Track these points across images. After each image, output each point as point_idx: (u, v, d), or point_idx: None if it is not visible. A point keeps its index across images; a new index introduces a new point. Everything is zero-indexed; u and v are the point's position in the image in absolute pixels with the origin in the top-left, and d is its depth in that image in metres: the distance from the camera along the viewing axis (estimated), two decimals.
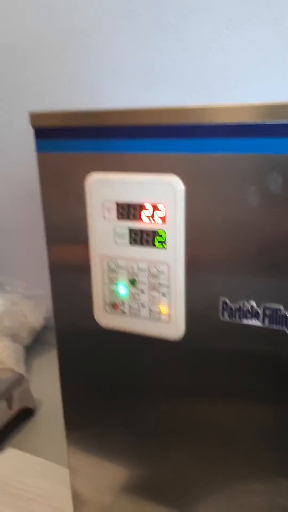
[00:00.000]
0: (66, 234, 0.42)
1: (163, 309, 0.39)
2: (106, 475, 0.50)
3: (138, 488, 0.49)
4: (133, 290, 0.40)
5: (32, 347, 1.02)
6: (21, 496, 0.63)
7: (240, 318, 0.36)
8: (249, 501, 0.43)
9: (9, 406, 0.75)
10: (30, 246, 0.95)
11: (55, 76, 0.90)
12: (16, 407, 0.76)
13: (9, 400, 0.74)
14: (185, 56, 0.78)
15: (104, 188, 0.39)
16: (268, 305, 0.35)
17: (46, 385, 0.81)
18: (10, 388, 0.75)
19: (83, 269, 0.42)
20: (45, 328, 1.03)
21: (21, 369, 0.88)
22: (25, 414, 0.79)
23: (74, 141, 0.39)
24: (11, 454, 0.70)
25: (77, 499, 0.52)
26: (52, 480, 0.65)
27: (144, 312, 0.40)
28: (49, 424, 0.78)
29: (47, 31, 0.89)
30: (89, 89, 0.87)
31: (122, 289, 0.40)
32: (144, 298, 0.40)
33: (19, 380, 0.78)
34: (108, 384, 0.45)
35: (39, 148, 0.41)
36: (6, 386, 0.75)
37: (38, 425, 0.79)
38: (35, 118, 0.40)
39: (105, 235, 0.40)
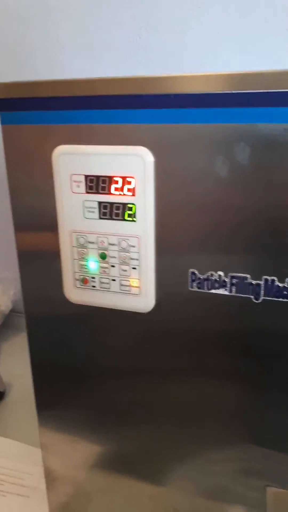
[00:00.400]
0: (34, 210, 0.42)
1: (134, 282, 0.39)
2: (79, 451, 0.50)
3: (111, 462, 0.49)
4: (104, 264, 0.40)
5: (0, 331, 1.01)
6: None
7: (208, 288, 0.37)
8: (219, 468, 0.44)
9: None
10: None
11: (11, 49, 0.87)
12: None
13: None
14: (152, 32, 0.77)
15: (72, 161, 0.38)
16: (235, 274, 0.36)
17: (15, 369, 0.80)
18: None
19: (52, 245, 0.42)
20: (12, 311, 1.01)
21: None
22: None
23: (40, 112, 0.38)
24: None
25: (49, 476, 0.52)
26: (25, 461, 0.65)
27: (115, 286, 0.40)
28: (19, 406, 0.78)
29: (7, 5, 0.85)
30: (51, 65, 0.85)
31: (93, 264, 0.40)
32: (114, 272, 0.40)
33: None
34: (79, 360, 0.45)
35: (3, 120, 0.40)
36: None
37: (8, 408, 0.78)
38: None
39: (74, 210, 0.39)
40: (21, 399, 0.82)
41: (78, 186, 0.39)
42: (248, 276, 0.36)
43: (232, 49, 0.73)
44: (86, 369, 0.46)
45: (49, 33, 0.84)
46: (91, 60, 0.83)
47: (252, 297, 0.36)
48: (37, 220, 0.42)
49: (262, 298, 0.36)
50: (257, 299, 0.36)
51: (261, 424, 0.41)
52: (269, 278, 0.35)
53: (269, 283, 0.35)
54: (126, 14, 0.78)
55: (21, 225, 0.43)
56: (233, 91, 0.32)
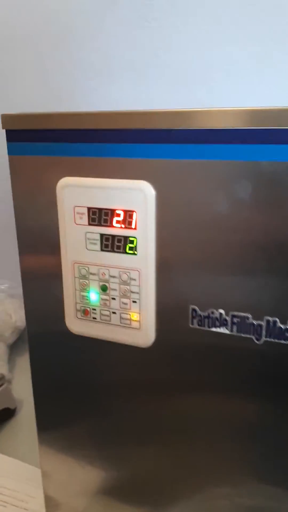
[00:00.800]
0: (37, 239, 0.42)
1: (134, 316, 0.39)
2: (79, 478, 0.49)
3: (111, 491, 0.48)
4: (104, 296, 0.39)
5: (16, 346, 1.02)
6: None
7: (209, 326, 0.36)
8: (220, 503, 0.43)
9: None
10: (14, 244, 0.94)
11: (29, 73, 0.89)
12: None
13: None
14: (168, 52, 0.78)
15: (76, 193, 0.38)
16: (236, 313, 0.35)
17: (28, 385, 0.80)
18: None
19: (55, 275, 0.42)
20: None
21: (4, 369, 0.88)
22: (5, 415, 0.78)
23: (46, 144, 0.38)
24: None
25: (50, 503, 0.52)
26: (29, 483, 0.64)
27: (115, 319, 0.40)
28: (30, 424, 0.77)
29: (23, 23, 0.87)
30: (70, 85, 0.86)
31: (94, 296, 0.40)
32: (115, 305, 0.39)
33: (0, 381, 0.77)
34: (79, 388, 0.45)
35: (10, 150, 0.40)
36: None
37: (18, 426, 0.78)
38: (6, 120, 0.40)
39: (76, 241, 0.39)
40: (31, 417, 0.81)
41: (81, 218, 0.39)
42: (250, 315, 0.34)
43: (251, 71, 0.73)
44: (86, 396, 0.45)
45: (69, 54, 0.86)
46: (110, 80, 0.84)
47: (253, 337, 0.35)
48: (41, 249, 0.42)
49: (263, 339, 0.34)
50: (258, 340, 0.34)
51: (265, 462, 0.39)
52: (270, 319, 0.34)
53: (271, 324, 0.34)
54: (144, 35, 0.79)
55: (25, 254, 0.43)
56: (236, 128, 0.31)
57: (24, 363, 0.98)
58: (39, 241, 0.42)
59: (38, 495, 0.61)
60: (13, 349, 1.00)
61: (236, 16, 0.72)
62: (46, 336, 0.45)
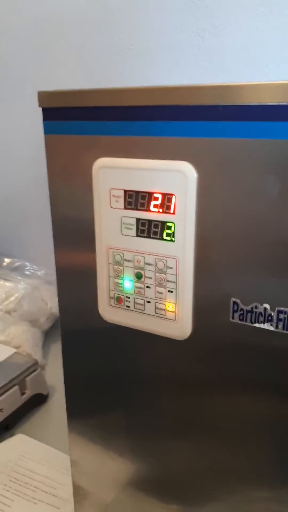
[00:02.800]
0: (73, 223, 0.40)
1: (170, 306, 0.36)
2: (108, 469, 0.48)
3: (140, 484, 0.47)
4: (139, 284, 0.37)
5: (51, 333, 1.02)
6: (28, 483, 0.62)
7: (251, 321, 0.33)
8: (254, 507, 0.40)
9: (22, 392, 0.74)
10: (51, 231, 0.94)
11: (72, 54, 0.87)
12: (28, 393, 0.76)
13: (21, 386, 0.74)
14: (215, 34, 0.74)
15: (112, 175, 0.36)
16: (283, 309, 0.32)
17: (62, 371, 0.80)
18: (23, 374, 0.75)
19: (90, 261, 0.40)
20: None
21: (38, 354, 0.88)
22: (38, 400, 0.79)
23: (82, 122, 0.37)
24: (20, 440, 0.70)
25: (78, 493, 0.51)
26: (61, 470, 0.64)
27: (150, 308, 0.37)
28: (61, 411, 0.77)
29: (68, 7, 0.86)
30: (112, 69, 0.84)
31: (128, 283, 0.38)
32: (150, 293, 0.37)
33: (33, 366, 0.78)
34: (111, 378, 0.43)
35: (47, 129, 0.39)
36: (19, 372, 0.74)
37: (50, 412, 0.79)
38: (43, 97, 0.38)
39: (111, 225, 0.37)
40: (63, 404, 0.81)
41: (117, 201, 0.37)
42: None
43: None
44: (118, 386, 0.43)
45: (111, 36, 0.83)
46: (153, 63, 0.81)
47: None
48: (75, 234, 0.40)
49: None
50: None
51: None
52: None
53: None
54: (190, 17, 0.75)
55: (60, 238, 0.42)
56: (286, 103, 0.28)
57: (58, 350, 0.98)
58: (74, 225, 0.40)
59: (68, 483, 0.61)
60: (48, 335, 1.01)
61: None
62: (79, 323, 0.43)
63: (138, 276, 0.37)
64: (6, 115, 1.00)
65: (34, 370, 0.78)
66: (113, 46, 0.83)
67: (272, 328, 0.32)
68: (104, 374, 0.44)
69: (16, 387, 0.73)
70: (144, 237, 0.36)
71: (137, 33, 0.81)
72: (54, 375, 0.84)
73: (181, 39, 0.77)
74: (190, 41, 0.76)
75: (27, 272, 1.00)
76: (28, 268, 1.00)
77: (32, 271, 1.00)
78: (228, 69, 0.73)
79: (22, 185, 1.02)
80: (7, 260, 1.05)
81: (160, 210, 0.35)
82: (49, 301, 1.00)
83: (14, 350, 0.80)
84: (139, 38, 0.81)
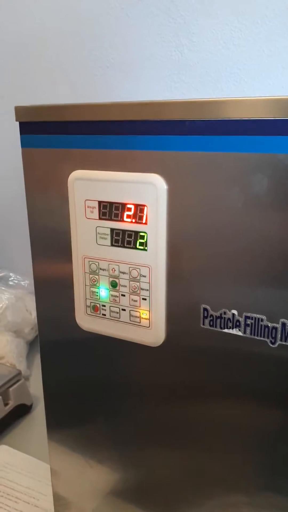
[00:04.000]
0: (50, 234, 0.41)
1: (144, 314, 0.37)
2: (88, 478, 0.48)
3: (120, 493, 0.47)
4: (114, 293, 0.38)
5: (35, 343, 1.02)
6: (10, 494, 0.62)
7: (221, 326, 0.34)
8: (226, 510, 0.41)
9: (5, 403, 0.74)
10: None
11: (53, 69, 0.89)
12: (12, 403, 0.75)
13: (4, 397, 0.74)
14: (193, 49, 0.76)
15: (87, 187, 0.37)
16: (250, 314, 0.33)
17: None
18: (6, 384, 0.75)
19: (66, 270, 0.41)
20: None
21: (22, 365, 0.88)
22: (22, 411, 0.78)
23: (57, 136, 0.38)
24: (2, 450, 0.70)
25: (58, 502, 0.51)
26: (43, 480, 0.64)
27: (125, 316, 0.38)
28: (45, 421, 0.78)
29: (49, 22, 0.88)
30: (90, 82, 0.86)
31: (103, 292, 0.39)
32: (125, 301, 0.38)
33: (17, 376, 0.77)
34: (89, 386, 0.44)
35: (23, 143, 0.40)
36: (2, 383, 0.74)
37: (34, 422, 0.78)
38: (19, 112, 0.39)
39: (87, 235, 0.38)
40: None
41: (92, 212, 0.38)
42: (264, 317, 0.32)
43: (276, 68, 0.70)
44: (95, 395, 0.44)
45: (92, 51, 0.85)
46: (134, 77, 0.83)
47: (268, 340, 0.33)
48: (52, 244, 0.41)
49: (279, 342, 0.32)
50: (273, 343, 0.32)
51: (280, 472, 0.37)
52: (286, 321, 0.32)
53: (287, 327, 0.32)
54: (169, 32, 0.77)
55: (37, 249, 0.42)
56: (252, 118, 0.30)
57: None
58: (51, 236, 0.41)
59: (50, 493, 0.61)
60: (33, 346, 1.01)
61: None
62: (57, 332, 0.44)
63: (113, 285, 0.38)
64: None
65: (18, 381, 0.78)
66: (94, 60, 0.85)
67: (240, 333, 0.33)
68: (83, 383, 0.44)
69: None
70: (118, 246, 0.37)
71: (118, 48, 0.83)
72: (38, 386, 0.84)
73: (161, 53, 0.79)
74: (170, 56, 0.79)
75: (11, 283, 1.00)
76: (12, 278, 1.01)
77: (16, 281, 1.00)
78: (206, 83, 0.76)
79: (5, 197, 1.03)
80: None
81: (133, 220, 0.36)
82: (33, 312, 1.00)
83: None
84: (120, 53, 0.83)
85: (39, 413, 0.80)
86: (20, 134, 0.40)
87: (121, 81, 0.83)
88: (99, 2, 0.82)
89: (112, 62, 0.84)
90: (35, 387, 0.84)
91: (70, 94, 0.87)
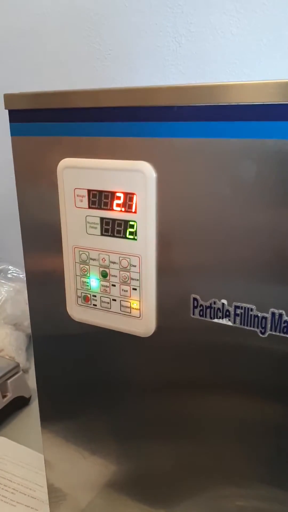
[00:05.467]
0: (40, 224, 0.41)
1: (134, 304, 0.37)
2: (82, 469, 0.48)
3: (114, 485, 0.47)
4: (104, 283, 0.38)
5: None
6: (7, 485, 0.62)
7: (211, 316, 0.34)
8: (224, 503, 0.41)
9: (3, 395, 0.74)
10: None
11: (54, 60, 0.88)
12: (10, 395, 0.76)
13: (3, 389, 0.74)
14: (191, 39, 0.75)
15: (76, 175, 0.37)
16: (239, 304, 0.32)
17: None
18: (5, 376, 0.75)
19: (58, 263, 0.40)
20: None
21: (21, 357, 0.88)
22: (20, 403, 0.79)
23: (47, 123, 0.37)
24: (0, 442, 0.70)
25: (53, 494, 0.51)
26: (40, 472, 0.64)
27: (115, 306, 0.38)
28: None
29: (48, 11, 0.87)
30: (89, 73, 0.85)
31: (94, 282, 0.39)
32: (115, 292, 0.38)
33: (15, 369, 0.78)
34: (81, 378, 0.44)
35: (13, 131, 0.39)
36: (0, 375, 0.74)
37: (32, 414, 0.79)
38: (8, 100, 0.39)
39: (77, 225, 0.38)
40: None
41: (81, 201, 0.37)
42: (254, 307, 0.32)
43: (274, 58, 0.69)
44: (87, 386, 0.44)
45: (91, 41, 0.84)
46: (132, 68, 0.82)
47: (258, 330, 0.32)
48: (43, 234, 0.41)
49: (268, 332, 0.32)
50: (263, 333, 0.32)
51: (270, 464, 0.37)
52: (276, 311, 0.31)
53: (276, 317, 0.31)
54: (167, 22, 0.76)
55: (28, 239, 0.42)
56: (240, 103, 0.29)
57: None
58: (41, 226, 0.41)
59: (46, 485, 0.61)
60: (31, 339, 1.01)
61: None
62: (49, 323, 0.44)
63: (104, 275, 0.38)
64: None
65: (16, 373, 0.78)
66: (93, 51, 0.84)
67: (230, 323, 0.33)
68: (75, 374, 0.44)
69: None
70: (108, 236, 0.37)
71: (116, 38, 0.82)
72: None
73: (159, 44, 0.78)
74: (168, 46, 0.78)
75: (10, 276, 1.00)
76: (11, 271, 1.01)
77: (15, 274, 1.00)
78: (204, 73, 0.75)
79: (2, 189, 1.03)
80: None
81: (123, 209, 0.35)
82: None
83: None
84: (118, 43, 0.82)
85: (37, 405, 0.80)
86: (10, 122, 0.39)
87: (119, 71, 0.82)
88: None
89: (110, 52, 0.83)
90: (34, 379, 0.84)
91: (68, 86, 0.86)
